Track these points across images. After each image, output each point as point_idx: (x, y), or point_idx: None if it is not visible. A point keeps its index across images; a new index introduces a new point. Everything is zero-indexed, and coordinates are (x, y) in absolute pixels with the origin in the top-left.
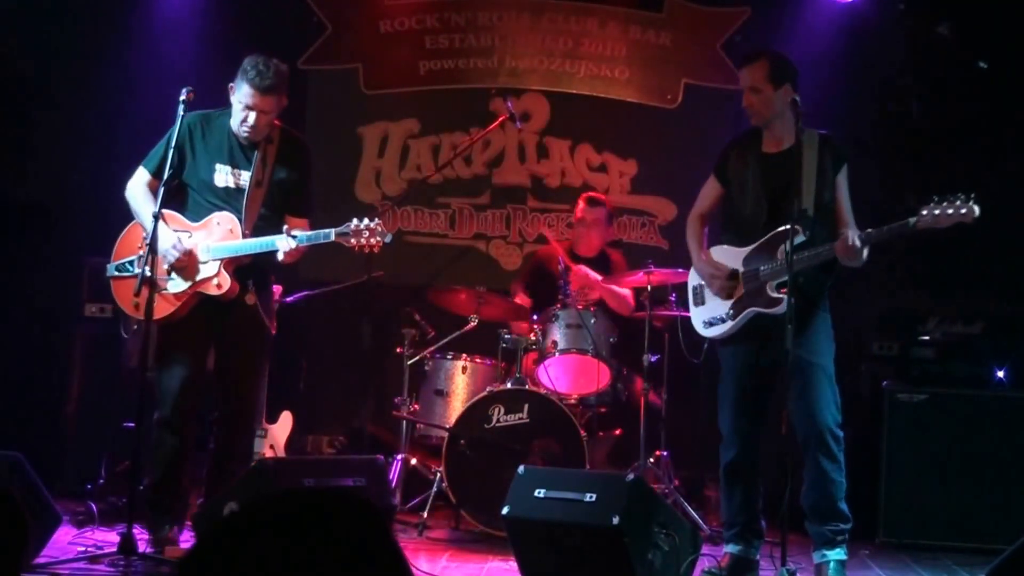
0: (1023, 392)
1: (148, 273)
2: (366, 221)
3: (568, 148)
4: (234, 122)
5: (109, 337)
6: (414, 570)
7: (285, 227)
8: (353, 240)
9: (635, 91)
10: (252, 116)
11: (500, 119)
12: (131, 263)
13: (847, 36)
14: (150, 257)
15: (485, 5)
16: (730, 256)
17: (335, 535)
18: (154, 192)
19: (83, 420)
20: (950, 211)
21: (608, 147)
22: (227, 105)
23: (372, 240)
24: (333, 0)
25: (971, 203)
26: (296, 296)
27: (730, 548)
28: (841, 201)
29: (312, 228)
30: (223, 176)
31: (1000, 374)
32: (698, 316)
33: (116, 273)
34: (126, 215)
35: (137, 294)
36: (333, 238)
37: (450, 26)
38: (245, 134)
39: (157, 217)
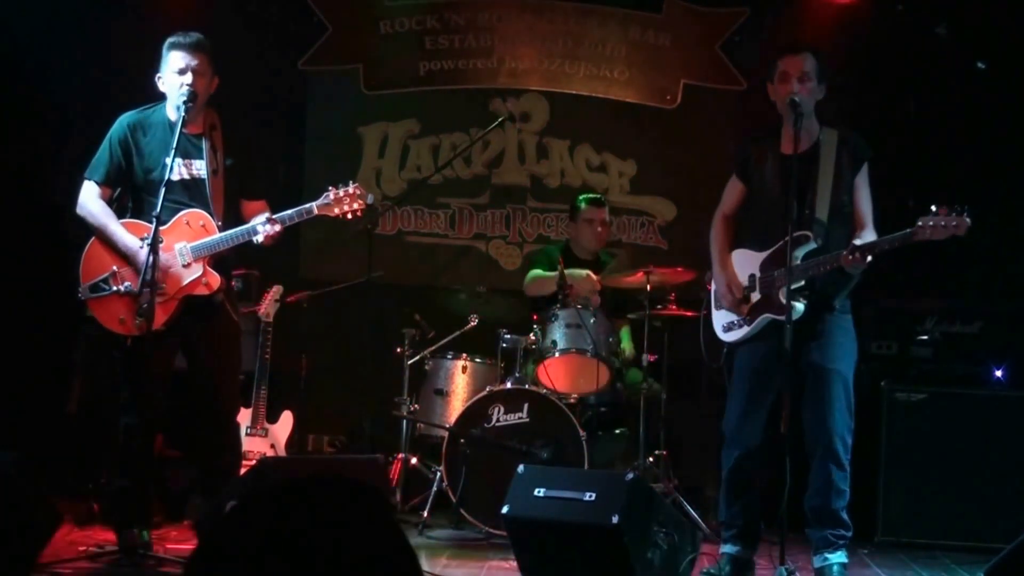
0: (1021, 391)
1: (145, 277)
2: (343, 188)
3: (567, 148)
4: (172, 105)
5: (111, 336)
6: None
7: (266, 214)
8: (336, 209)
9: (634, 91)
10: (189, 75)
11: (500, 120)
12: (105, 281)
13: (846, 36)
14: (151, 259)
15: (485, 6)
16: (749, 260)
17: (338, 523)
18: (107, 202)
19: (85, 419)
20: (943, 223)
21: (607, 147)
22: (159, 99)
23: (355, 205)
24: (333, 1)
25: (964, 216)
26: (296, 296)
27: (728, 548)
28: (859, 203)
29: (267, 208)
30: (176, 170)
31: (998, 373)
32: (718, 320)
33: (92, 294)
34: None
35: (140, 304)
36: (316, 212)
37: (450, 27)
38: (185, 100)
39: (157, 218)
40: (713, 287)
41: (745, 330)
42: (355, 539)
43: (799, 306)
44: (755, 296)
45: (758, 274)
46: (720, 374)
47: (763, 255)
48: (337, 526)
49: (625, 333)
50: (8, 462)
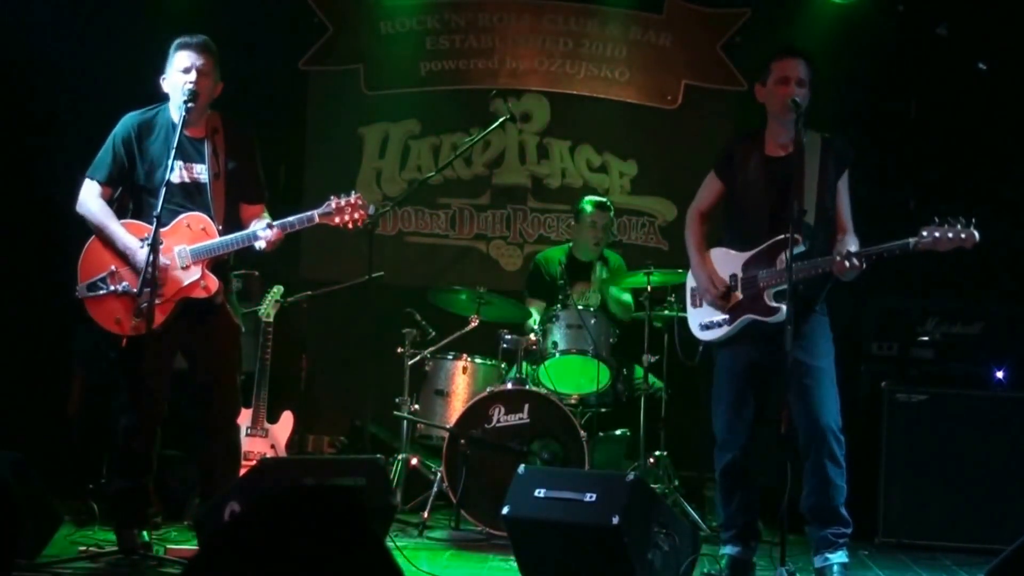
0: (1022, 392)
1: (142, 279)
2: (345, 197)
3: (568, 149)
4: (174, 105)
5: (112, 337)
6: (415, 570)
7: (266, 219)
8: (337, 218)
9: (635, 92)
10: (193, 74)
11: (501, 120)
12: (103, 280)
13: (847, 36)
14: (151, 259)
15: (486, 6)
16: (730, 260)
17: (320, 535)
18: (108, 201)
19: (85, 419)
20: (950, 235)
21: (608, 148)
22: (162, 101)
23: (356, 215)
24: (334, 1)
25: (971, 228)
26: (296, 296)
27: (727, 550)
28: (840, 207)
29: (265, 212)
30: (177, 172)
31: (999, 374)
32: (695, 318)
33: (89, 293)
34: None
35: (139, 304)
36: (317, 220)
37: (451, 27)
38: (187, 97)
39: (158, 219)
40: (690, 284)
41: (725, 330)
42: (338, 557)
43: (783, 308)
44: (737, 296)
45: (740, 274)
46: (696, 372)
47: (745, 255)
48: (321, 544)
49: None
50: (8, 462)
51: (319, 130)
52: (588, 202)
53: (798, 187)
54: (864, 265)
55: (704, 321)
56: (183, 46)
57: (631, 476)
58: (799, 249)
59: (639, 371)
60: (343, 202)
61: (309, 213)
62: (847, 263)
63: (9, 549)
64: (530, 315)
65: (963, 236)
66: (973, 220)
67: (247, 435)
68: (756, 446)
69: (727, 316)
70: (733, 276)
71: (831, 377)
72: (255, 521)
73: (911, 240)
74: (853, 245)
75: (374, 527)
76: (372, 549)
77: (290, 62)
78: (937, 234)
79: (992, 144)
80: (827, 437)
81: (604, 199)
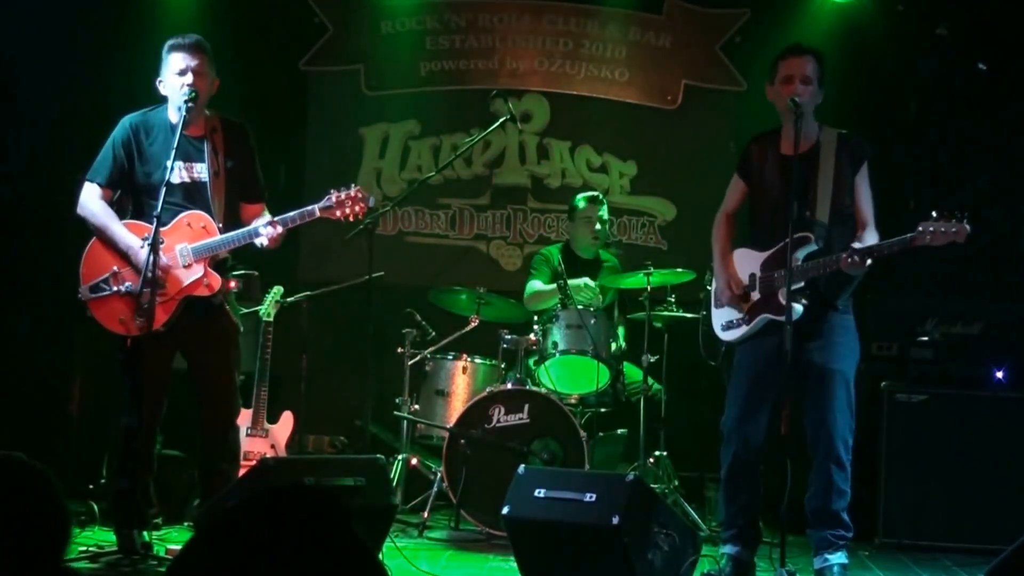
0: (1021, 392)
1: (147, 274)
2: (345, 190)
3: (568, 149)
4: (173, 106)
5: (112, 337)
6: (415, 570)
7: (267, 216)
8: (338, 212)
9: (635, 92)
10: (189, 76)
11: (501, 120)
12: (105, 282)
13: (847, 37)
14: (152, 259)
15: (485, 7)
16: (750, 260)
17: (298, 535)
18: (108, 203)
19: (85, 420)
20: (943, 229)
21: (608, 148)
22: (160, 102)
23: (356, 207)
24: (334, 1)
25: (964, 223)
26: (296, 296)
27: (727, 550)
28: (859, 203)
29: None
30: (177, 172)
31: (999, 375)
32: (717, 318)
33: (92, 295)
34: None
35: (141, 303)
36: (318, 214)
37: (451, 27)
38: (186, 100)
39: (157, 218)
40: (713, 285)
41: (744, 329)
42: (320, 557)
43: (797, 307)
44: (755, 295)
45: (759, 274)
46: (719, 373)
47: (764, 255)
48: (302, 543)
49: (621, 331)
50: (25, 464)
51: (319, 130)
52: (582, 198)
53: (801, 187)
54: (865, 262)
55: (725, 321)
56: (176, 47)
57: (631, 476)
58: (812, 248)
59: (634, 372)
60: (343, 195)
61: (310, 207)
62: (849, 259)
63: (60, 545)
64: (531, 313)
65: (954, 230)
66: (966, 214)
67: (247, 435)
68: (763, 446)
69: (746, 316)
70: (752, 276)
71: (847, 381)
72: (235, 521)
73: (908, 236)
74: (872, 240)
75: (356, 526)
76: (353, 549)
77: (290, 62)
78: (931, 228)
79: (992, 144)
80: (834, 441)
81: (596, 193)
